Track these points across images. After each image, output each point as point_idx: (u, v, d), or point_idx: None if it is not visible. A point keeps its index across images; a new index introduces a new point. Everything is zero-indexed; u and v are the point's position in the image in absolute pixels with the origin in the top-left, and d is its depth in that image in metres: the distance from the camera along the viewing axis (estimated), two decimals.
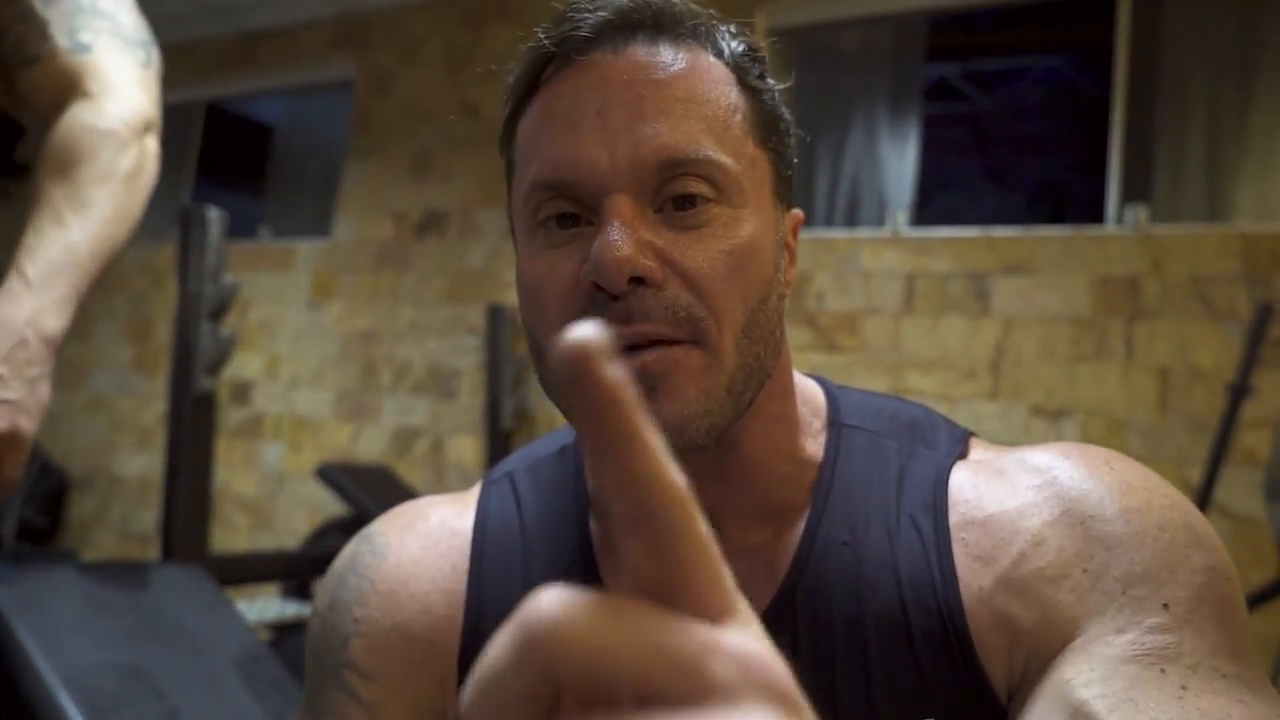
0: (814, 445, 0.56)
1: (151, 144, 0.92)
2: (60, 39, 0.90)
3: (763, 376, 0.50)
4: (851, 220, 2.83)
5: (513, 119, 0.51)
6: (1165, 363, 2.36)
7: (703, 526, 0.23)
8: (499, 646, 0.20)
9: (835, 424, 0.57)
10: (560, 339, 0.21)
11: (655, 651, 0.18)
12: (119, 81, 0.90)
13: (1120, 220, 2.52)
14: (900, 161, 2.79)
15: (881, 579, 0.50)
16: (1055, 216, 4.88)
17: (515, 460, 0.65)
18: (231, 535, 3.56)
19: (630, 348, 0.46)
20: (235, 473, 3.62)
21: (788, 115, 0.54)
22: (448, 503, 0.64)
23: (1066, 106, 4.62)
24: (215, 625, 1.03)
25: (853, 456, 0.55)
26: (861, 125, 2.86)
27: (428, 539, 0.60)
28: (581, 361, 0.20)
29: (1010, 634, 0.48)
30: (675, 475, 0.21)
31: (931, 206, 5.59)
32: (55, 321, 0.80)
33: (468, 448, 3.24)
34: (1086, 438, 2.38)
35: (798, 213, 0.56)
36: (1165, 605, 0.45)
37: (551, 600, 0.20)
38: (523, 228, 0.50)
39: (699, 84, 0.48)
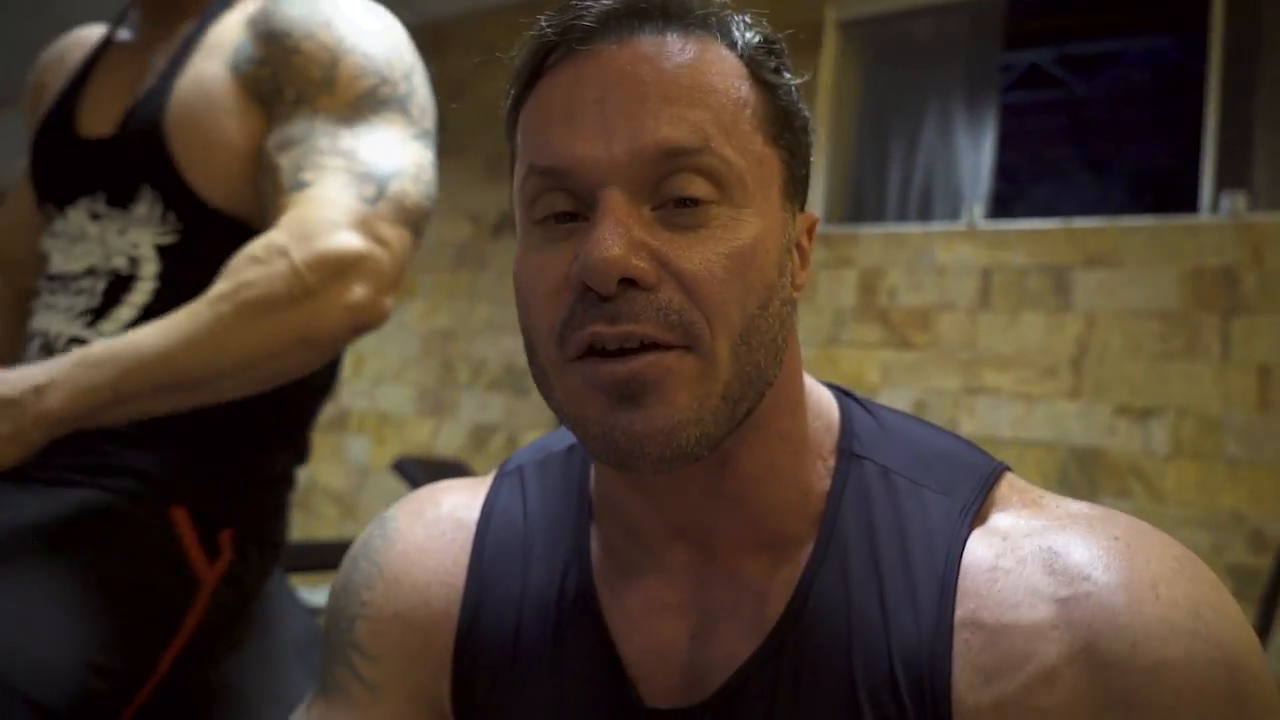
0: (821, 472, 0.53)
1: (329, 285, 0.80)
2: (285, 182, 0.85)
3: (763, 386, 0.48)
4: (925, 214, 2.76)
5: (515, 107, 0.50)
6: (1266, 359, 2.21)
7: None
8: None
9: (845, 451, 0.53)
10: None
11: None
12: (314, 215, 0.82)
13: (1215, 208, 2.38)
14: (976, 153, 2.70)
15: (874, 651, 0.47)
16: (1159, 206, 4.63)
17: (529, 452, 0.65)
18: (320, 525, 3.71)
19: (620, 352, 0.44)
20: (324, 465, 3.77)
21: (805, 111, 0.52)
22: (461, 490, 0.64)
23: (1170, 89, 4.37)
24: (276, 608, 1.07)
25: (859, 493, 0.52)
26: (936, 117, 2.78)
27: (434, 528, 0.61)
28: None
29: None
30: None
31: (1024, 199, 5.39)
32: (59, 404, 0.74)
33: None
34: (1178, 439, 2.26)
35: (812, 214, 0.53)
36: None
37: None
38: (521, 221, 0.49)
39: (706, 75, 0.46)
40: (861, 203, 2.88)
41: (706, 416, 0.45)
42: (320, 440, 3.79)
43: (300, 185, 0.84)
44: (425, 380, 3.62)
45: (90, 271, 0.91)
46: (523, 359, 3.53)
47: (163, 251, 0.90)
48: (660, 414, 0.44)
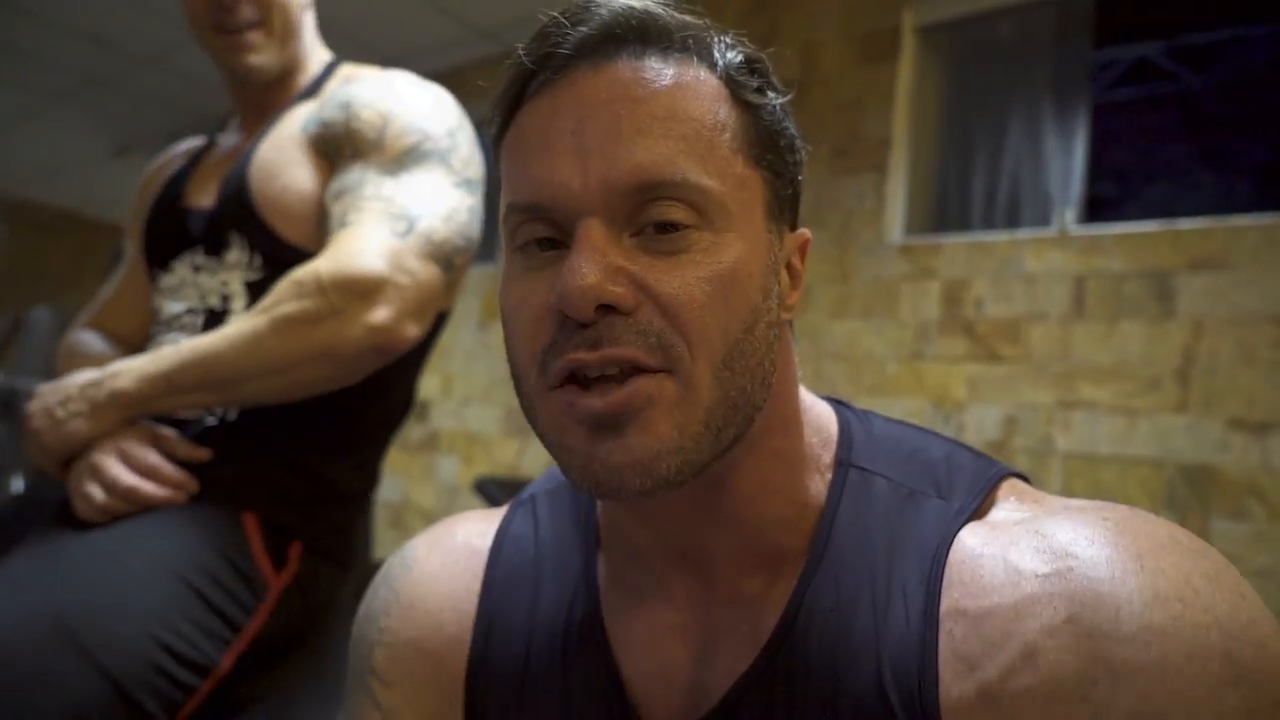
0: (818, 485, 0.52)
1: (352, 304, 0.89)
2: (334, 224, 0.96)
3: (750, 410, 0.47)
4: (1013, 221, 2.64)
5: (498, 137, 0.51)
6: None
7: None
8: None
9: (843, 463, 0.53)
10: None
11: None
12: (347, 246, 0.91)
13: None
14: (1067, 156, 2.57)
15: (863, 659, 0.46)
16: None
17: (543, 481, 0.67)
18: None
19: (600, 379, 0.44)
20: (416, 484, 3.89)
21: (791, 130, 0.51)
22: (478, 519, 0.67)
23: None
24: (343, 627, 1.10)
25: (855, 504, 0.51)
26: (1021, 120, 2.66)
27: (450, 556, 0.63)
28: None
29: None
30: None
31: (1137, 199, 5.11)
32: (128, 386, 0.88)
33: None
34: None
35: (803, 233, 0.53)
36: None
37: None
38: (505, 249, 0.50)
39: (682, 101, 0.46)
40: (944, 212, 2.78)
41: (688, 444, 0.44)
42: (412, 460, 3.91)
43: (344, 225, 0.95)
44: (511, 400, 3.69)
45: (189, 311, 1.04)
46: None
47: (250, 287, 1.02)
48: (639, 443, 0.44)
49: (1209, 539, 2.12)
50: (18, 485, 3.43)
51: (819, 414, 0.55)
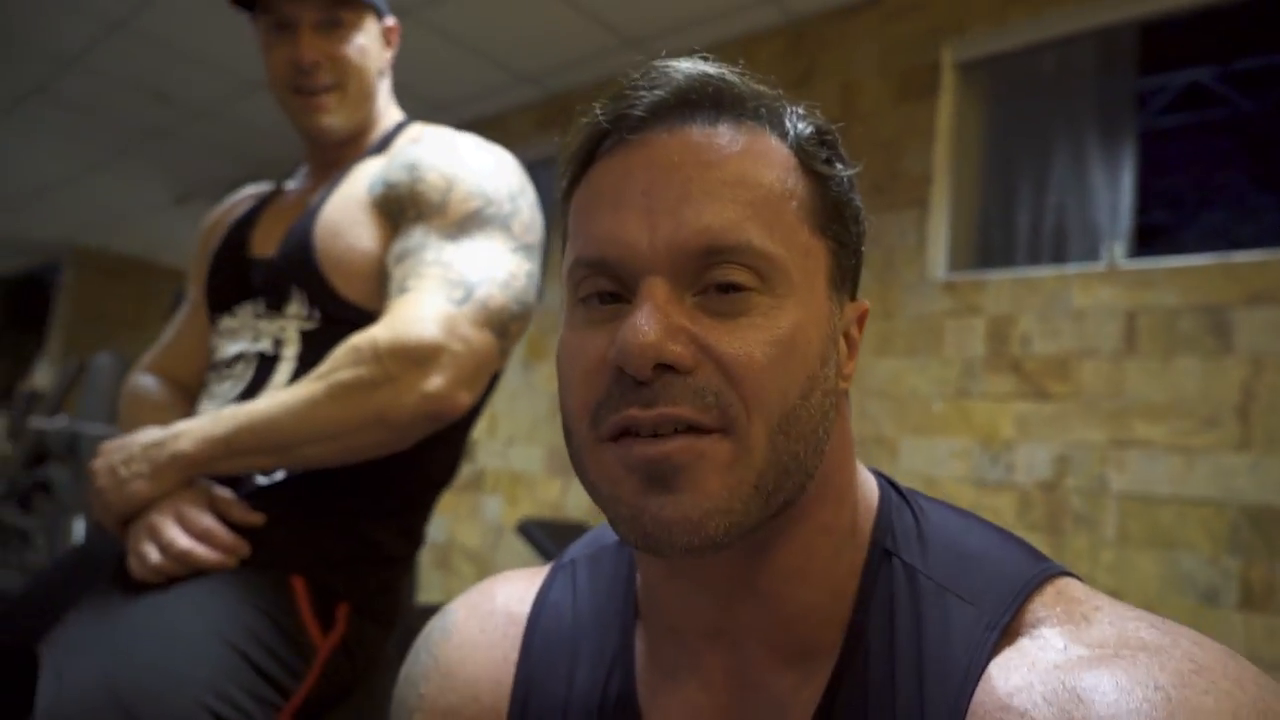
0: (852, 570, 0.51)
1: (407, 372, 0.90)
2: (394, 288, 0.98)
3: (802, 478, 0.47)
4: (1059, 256, 2.59)
5: (568, 191, 0.52)
6: None
7: None
8: None
9: (877, 546, 0.51)
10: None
11: None
12: (405, 313, 0.93)
13: None
14: (1114, 188, 2.52)
15: None
16: None
17: (583, 545, 0.66)
18: (459, 583, 3.83)
19: (653, 435, 0.44)
20: (462, 524, 3.91)
21: (856, 201, 0.52)
22: (518, 582, 0.66)
23: None
24: (388, 684, 1.11)
25: (885, 598, 0.49)
26: (1066, 153, 2.62)
27: (489, 621, 0.63)
28: None
29: None
30: None
31: (1194, 226, 4.98)
32: (189, 448, 0.90)
33: None
34: None
35: (862, 303, 0.53)
36: None
37: None
38: (567, 301, 0.51)
39: (753, 168, 0.46)
40: (988, 248, 2.74)
41: (737, 505, 0.44)
42: (458, 500, 3.93)
43: (403, 290, 0.96)
44: (554, 440, 3.70)
45: (241, 356, 1.06)
46: None
47: (304, 335, 1.04)
48: (690, 500, 0.43)
49: (1276, 583, 2.03)
50: (79, 528, 3.53)
51: (864, 488, 0.54)
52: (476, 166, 1.06)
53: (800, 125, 0.50)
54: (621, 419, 0.44)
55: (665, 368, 0.43)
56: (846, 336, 0.51)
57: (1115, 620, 0.43)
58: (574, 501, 3.56)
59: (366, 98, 1.14)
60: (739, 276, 0.45)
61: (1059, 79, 2.65)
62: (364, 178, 1.10)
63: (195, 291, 1.25)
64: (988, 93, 2.83)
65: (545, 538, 2.58)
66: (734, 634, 0.52)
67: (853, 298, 0.52)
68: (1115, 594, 2.04)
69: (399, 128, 1.19)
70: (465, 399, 0.94)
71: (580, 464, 0.49)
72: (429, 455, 1.04)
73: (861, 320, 0.53)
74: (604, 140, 0.49)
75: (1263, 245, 2.24)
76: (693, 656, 0.53)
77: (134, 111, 4.74)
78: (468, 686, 0.60)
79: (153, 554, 0.88)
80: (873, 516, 0.52)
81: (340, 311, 1.03)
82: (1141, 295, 2.33)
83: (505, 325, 0.99)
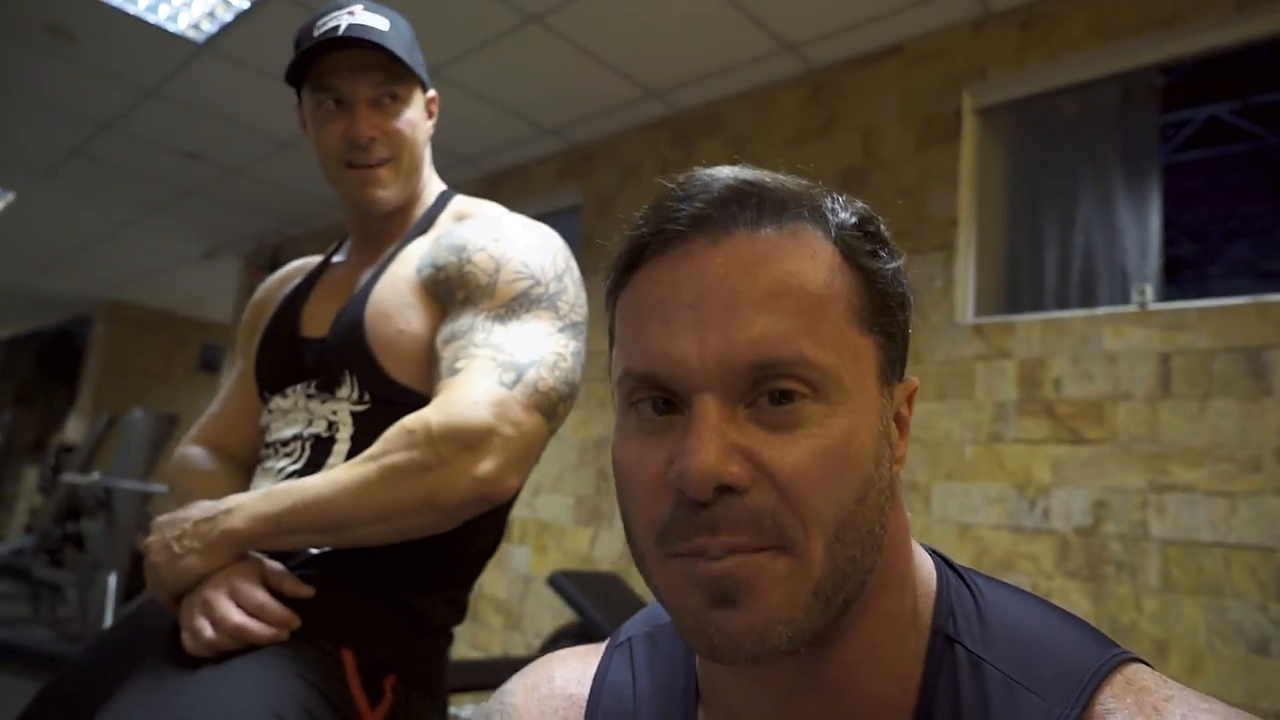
0: (915, 657, 0.50)
1: (459, 456, 0.91)
2: (445, 370, 0.99)
3: (861, 575, 0.47)
4: (1088, 298, 2.57)
5: (614, 290, 0.52)
6: None
7: None
8: None
9: (939, 633, 0.51)
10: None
11: None
12: (457, 396, 0.94)
13: None
14: (1141, 229, 2.51)
15: None
16: None
17: (638, 623, 0.66)
18: (487, 634, 3.80)
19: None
20: (490, 575, 3.89)
21: (904, 289, 0.51)
22: (575, 662, 0.66)
23: None
24: None
25: (951, 689, 0.49)
26: (1091, 196, 2.62)
27: (548, 704, 0.62)
28: None
29: None
30: None
31: (1221, 260, 4.94)
32: (241, 525, 0.92)
33: None
34: None
35: (911, 382, 0.53)
36: None
37: None
38: (618, 403, 0.51)
39: (798, 274, 0.46)
40: (1016, 291, 2.73)
41: (799, 615, 0.45)
42: None
43: (454, 372, 0.97)
44: (582, 489, 3.69)
45: (296, 437, 1.07)
46: None
47: (356, 416, 1.05)
48: (753, 613, 0.44)
49: None
50: (112, 583, 3.55)
51: (922, 570, 0.54)
52: (523, 246, 1.07)
53: (843, 215, 0.49)
54: (690, 547, 0.45)
55: (724, 488, 0.44)
56: (897, 417, 0.51)
57: (1188, 711, 0.42)
58: (602, 552, 3.54)
59: (416, 169, 1.16)
60: (790, 388, 0.45)
61: (1081, 120, 2.66)
62: (412, 259, 1.11)
63: (244, 363, 1.26)
64: (1010, 136, 2.84)
65: (576, 590, 2.56)
66: None
67: (900, 378, 0.52)
68: (1162, 644, 1.98)
69: (441, 200, 1.21)
70: (514, 482, 0.95)
71: (646, 571, 0.50)
72: (476, 529, 1.04)
73: (911, 398, 0.53)
74: (647, 248, 0.49)
75: None
76: None
77: (167, 171, 4.87)
78: None
79: (207, 629, 0.88)
80: (932, 600, 0.52)
81: (391, 393, 1.04)
82: (1175, 337, 2.31)
83: (554, 406, 1.00)
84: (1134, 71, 2.56)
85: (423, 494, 0.90)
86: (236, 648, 0.88)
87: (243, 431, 1.22)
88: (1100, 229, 2.59)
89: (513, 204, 1.24)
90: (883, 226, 0.51)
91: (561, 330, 1.04)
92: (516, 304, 1.03)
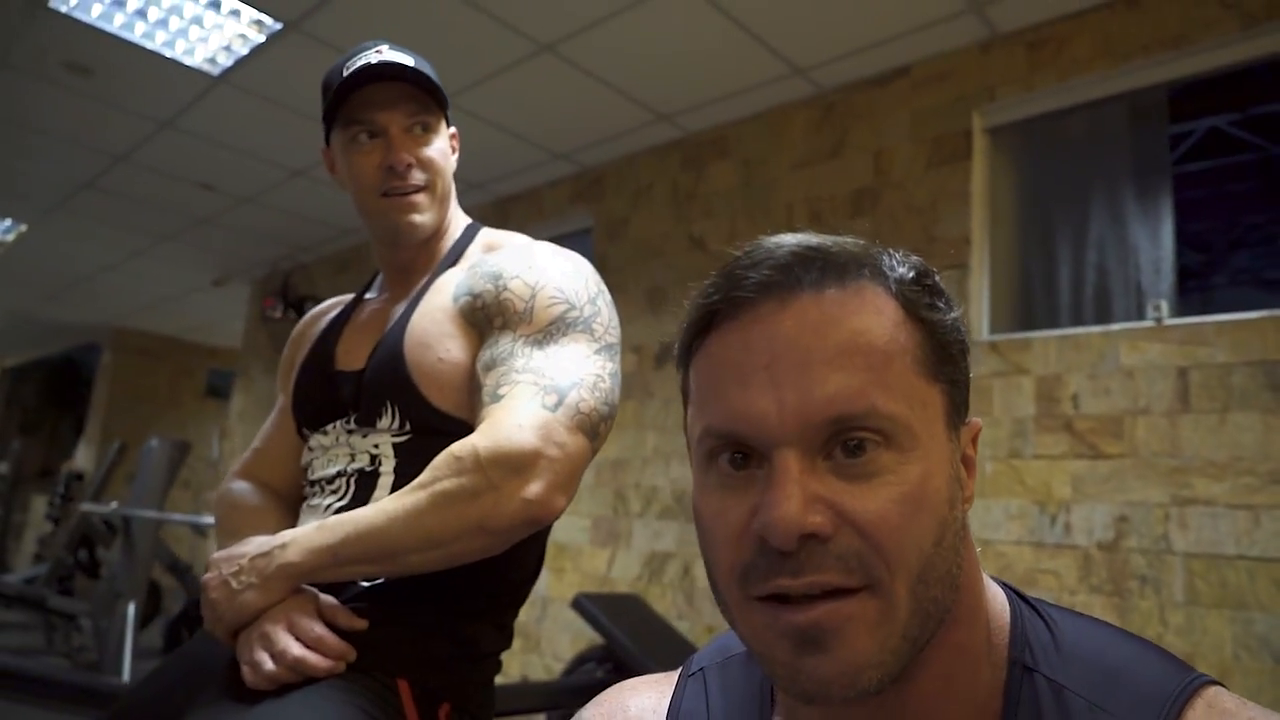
0: (993, 688, 0.52)
1: (508, 480, 0.93)
2: (488, 397, 1.01)
3: (940, 614, 0.49)
4: (1104, 314, 2.60)
5: (687, 351, 0.55)
6: None
7: None
8: None
9: (1016, 663, 0.52)
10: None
11: None
12: (502, 421, 0.96)
13: None
14: (1155, 245, 2.54)
15: None
16: None
17: (710, 653, 0.68)
18: (507, 658, 3.80)
19: (802, 598, 0.47)
20: None
21: (962, 335, 0.54)
22: (648, 691, 0.67)
23: None
24: None
25: (1034, 715, 0.50)
26: (1103, 212, 2.65)
27: None
28: None
29: None
30: None
31: (1225, 269, 4.97)
32: (297, 559, 0.94)
33: None
34: None
35: (975, 423, 0.55)
36: None
37: None
38: (697, 459, 0.53)
39: (864, 330, 0.48)
40: (1030, 308, 2.76)
41: (888, 658, 0.47)
42: None
43: (497, 398, 1.00)
44: (599, 510, 3.70)
45: (340, 474, 1.09)
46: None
47: (397, 448, 1.07)
48: (843, 658, 0.46)
49: None
50: (131, 611, 3.56)
51: (994, 603, 0.55)
52: (556, 273, 1.10)
53: (901, 270, 0.51)
54: (772, 588, 0.47)
55: (808, 536, 0.46)
56: (964, 458, 0.53)
57: None
58: (620, 573, 3.55)
59: (447, 197, 1.20)
60: (865, 439, 0.47)
61: (1091, 138, 2.70)
62: (447, 289, 1.14)
63: (284, 398, 1.29)
64: (1020, 154, 2.88)
65: (600, 612, 2.57)
66: None
67: (964, 421, 0.54)
68: (1188, 658, 2.00)
69: (469, 232, 1.24)
70: (561, 502, 0.97)
71: (729, 615, 0.52)
72: (519, 555, 1.06)
73: (975, 439, 0.55)
74: (717, 314, 0.51)
75: None
76: None
77: (179, 201, 4.91)
78: None
79: (267, 662, 0.90)
80: (1006, 631, 0.54)
81: (432, 421, 1.06)
82: (1192, 352, 2.33)
83: (595, 426, 1.02)
84: (1142, 90, 2.60)
85: (475, 518, 0.92)
86: (296, 680, 0.90)
87: (285, 466, 1.24)
88: (1113, 245, 2.62)
89: (523, 228, 1.27)
90: (939, 279, 0.53)
91: (598, 352, 1.06)
92: (553, 329, 1.05)
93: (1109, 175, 2.65)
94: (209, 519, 4.96)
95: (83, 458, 8.53)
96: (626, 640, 2.42)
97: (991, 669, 0.52)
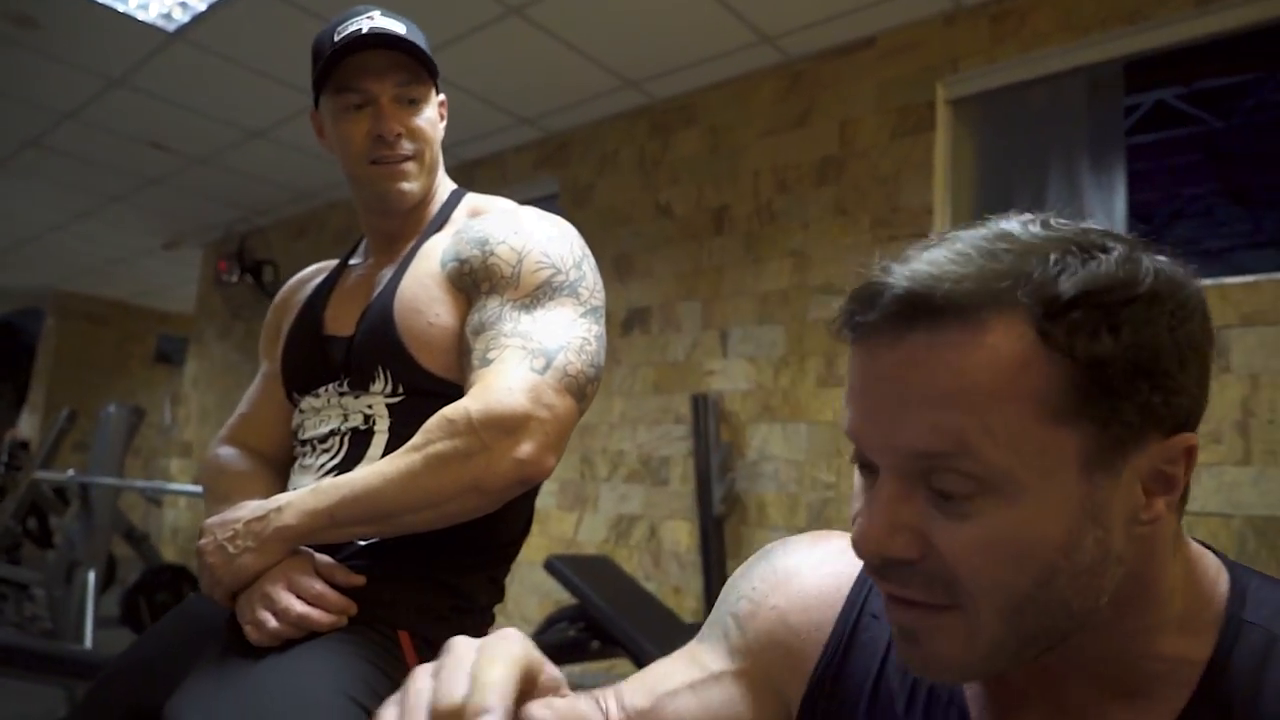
0: (1195, 643, 0.52)
1: (499, 441, 0.95)
2: (477, 361, 1.03)
3: (1056, 635, 0.49)
4: None
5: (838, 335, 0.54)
6: None
7: None
8: None
9: (1233, 619, 0.52)
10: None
11: None
12: (493, 385, 0.98)
13: None
14: (1108, 215, 2.64)
15: None
16: None
17: None
18: None
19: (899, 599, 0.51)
20: None
21: (1160, 354, 0.46)
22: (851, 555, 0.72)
23: None
24: None
25: (1247, 660, 0.50)
26: (1059, 184, 2.74)
27: (827, 555, 0.69)
28: None
29: None
30: None
31: (1167, 239, 5.14)
32: (293, 521, 0.96)
33: (682, 532, 3.34)
34: None
35: (1183, 439, 0.48)
36: None
37: None
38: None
39: (972, 376, 0.45)
40: None
41: (977, 661, 0.49)
42: None
43: (487, 362, 1.02)
44: (566, 474, 3.75)
45: (334, 433, 1.11)
46: (660, 450, 3.56)
47: (391, 408, 1.09)
48: (933, 654, 0.50)
49: None
50: (91, 579, 3.52)
51: (1200, 572, 0.54)
52: (542, 238, 1.11)
53: (1063, 288, 0.45)
54: (883, 590, 0.52)
55: (892, 558, 0.49)
56: (1158, 474, 0.49)
57: None
58: (587, 536, 3.61)
59: (435, 165, 1.21)
60: (954, 485, 0.46)
61: (1050, 110, 2.77)
62: (434, 254, 1.15)
63: (269, 364, 1.30)
64: (982, 126, 2.95)
65: (571, 573, 2.63)
66: (1050, 694, 0.55)
67: (1174, 432, 0.48)
68: None
69: (454, 197, 1.25)
70: (552, 461, 1.00)
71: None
72: (511, 512, 1.09)
73: (1188, 457, 0.49)
74: (845, 328, 0.51)
75: (1233, 255, 2.35)
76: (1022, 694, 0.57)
77: (129, 161, 4.77)
78: (801, 597, 0.66)
79: (270, 620, 0.93)
80: (1224, 594, 0.54)
81: (424, 383, 1.08)
82: None
83: (583, 388, 1.05)
84: (1100, 64, 2.68)
85: (469, 479, 0.95)
86: (300, 636, 0.93)
87: (272, 431, 1.25)
88: (1069, 215, 2.70)
89: (487, 193, 1.28)
90: (1141, 289, 0.46)
91: (584, 315, 1.09)
92: (540, 293, 1.07)
93: (1066, 147, 2.74)
94: (171, 485, 4.89)
95: (26, 426, 8.30)
96: (599, 600, 2.48)
97: (1195, 636, 0.52)
